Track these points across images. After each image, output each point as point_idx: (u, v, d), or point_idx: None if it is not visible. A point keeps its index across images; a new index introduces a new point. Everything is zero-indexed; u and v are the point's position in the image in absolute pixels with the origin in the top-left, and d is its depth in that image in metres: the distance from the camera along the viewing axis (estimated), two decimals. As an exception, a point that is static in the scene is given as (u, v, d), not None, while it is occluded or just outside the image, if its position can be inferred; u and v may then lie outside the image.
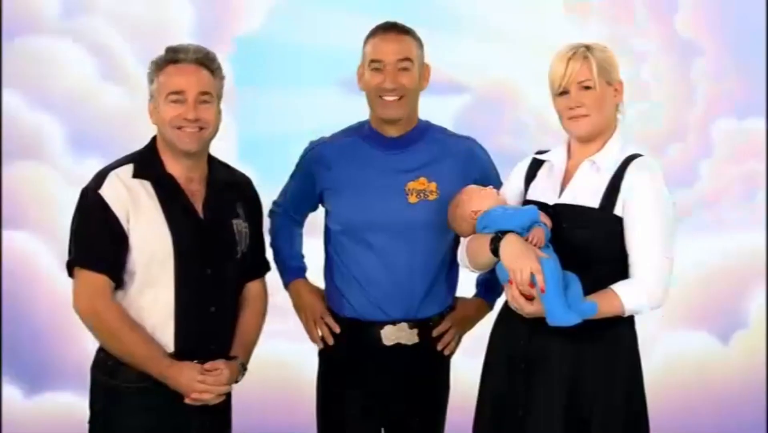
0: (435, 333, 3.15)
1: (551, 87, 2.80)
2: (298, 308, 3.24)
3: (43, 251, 4.70)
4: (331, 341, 3.17)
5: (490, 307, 3.25)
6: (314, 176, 3.16)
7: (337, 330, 3.15)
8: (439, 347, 3.16)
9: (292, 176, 3.26)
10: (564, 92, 2.78)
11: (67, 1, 4.76)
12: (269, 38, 4.79)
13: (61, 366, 4.75)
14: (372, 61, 3.07)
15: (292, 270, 3.27)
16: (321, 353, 3.23)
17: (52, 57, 4.76)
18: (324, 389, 3.21)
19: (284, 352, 4.48)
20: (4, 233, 4.73)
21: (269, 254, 3.16)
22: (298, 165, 3.23)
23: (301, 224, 3.31)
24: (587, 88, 2.76)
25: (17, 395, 4.77)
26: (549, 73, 2.80)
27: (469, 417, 2.93)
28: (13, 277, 4.72)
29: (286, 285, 3.26)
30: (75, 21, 4.76)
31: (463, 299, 3.26)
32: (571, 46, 2.79)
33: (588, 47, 2.78)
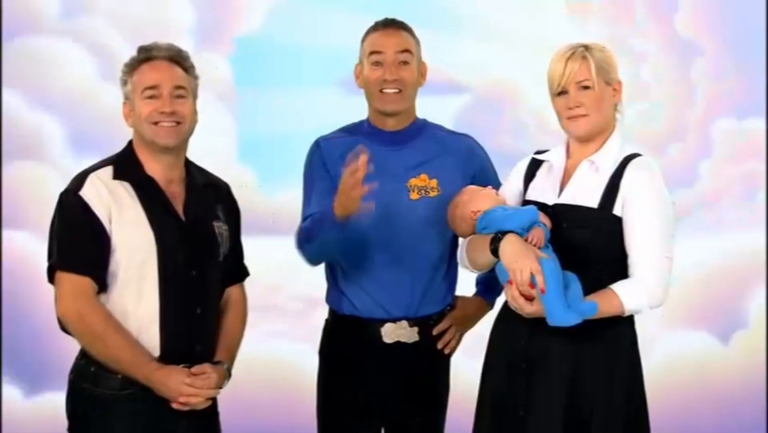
0: (435, 331, 3.15)
1: (550, 87, 2.80)
2: (343, 193, 2.85)
3: (43, 251, 4.64)
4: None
5: (491, 306, 3.25)
6: (328, 169, 3.11)
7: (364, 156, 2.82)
8: (439, 346, 3.16)
9: (309, 181, 3.17)
10: (563, 92, 2.78)
11: (67, 1, 4.76)
12: (269, 38, 4.79)
13: (61, 366, 4.70)
14: (372, 53, 3.08)
15: (326, 210, 2.96)
16: (321, 352, 3.23)
17: (52, 57, 4.76)
18: (324, 388, 3.20)
19: (284, 352, 4.48)
20: (4, 233, 4.73)
21: (300, 266, 3.07)
22: (309, 165, 3.17)
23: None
24: (586, 88, 2.76)
25: (17, 395, 4.76)
26: (548, 73, 2.80)
27: (469, 417, 2.93)
28: (13, 277, 4.72)
29: (335, 215, 2.88)
30: (75, 21, 4.76)
31: (463, 298, 3.26)
32: (570, 46, 2.80)
33: (587, 47, 2.78)
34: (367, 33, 3.13)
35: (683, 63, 4.87)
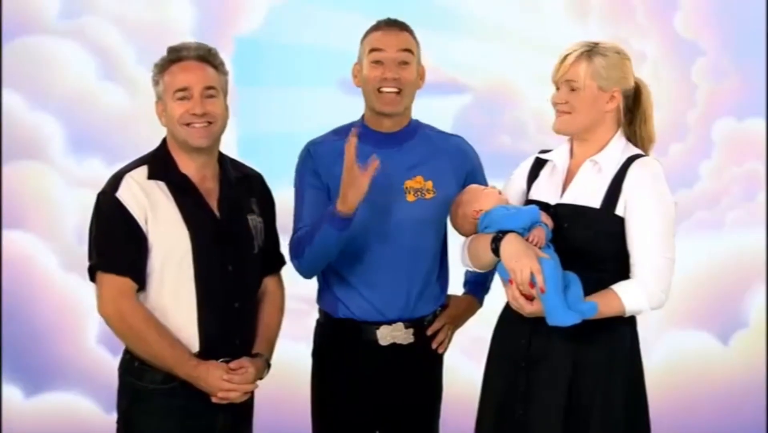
0: (429, 332, 3.15)
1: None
2: (347, 188, 2.87)
3: (43, 250, 4.70)
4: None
5: (480, 303, 3.27)
6: (320, 174, 3.10)
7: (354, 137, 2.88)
8: (434, 346, 3.16)
9: (301, 187, 3.14)
10: (558, 87, 2.79)
11: (67, 1, 4.76)
12: (269, 38, 4.79)
13: (61, 366, 4.75)
14: (372, 50, 3.05)
15: (327, 211, 2.96)
16: (314, 355, 3.22)
17: (52, 57, 4.76)
18: (319, 390, 3.20)
19: (284, 352, 4.48)
20: (4, 233, 4.73)
21: (294, 275, 3.10)
22: (300, 173, 3.15)
23: None
24: (574, 89, 2.76)
25: (17, 395, 4.77)
26: None
27: (469, 417, 2.93)
28: (13, 277, 4.72)
29: (335, 213, 2.87)
30: (75, 21, 4.76)
31: (455, 297, 3.26)
32: (578, 43, 2.79)
33: (592, 48, 2.77)
34: (368, 32, 3.11)
35: (683, 63, 4.87)
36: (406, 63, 3.06)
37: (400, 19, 3.13)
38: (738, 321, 4.89)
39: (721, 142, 4.88)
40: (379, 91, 3.05)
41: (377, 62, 3.05)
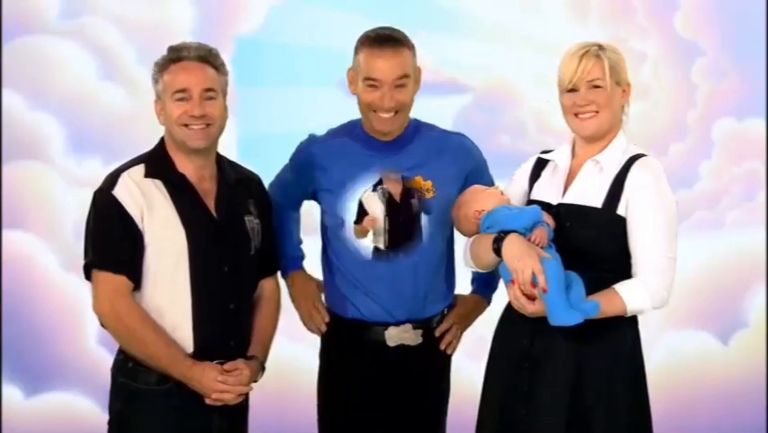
0: (437, 333, 3.15)
1: (560, 83, 2.79)
2: (295, 298, 3.21)
3: (43, 250, 4.70)
4: (324, 329, 3.16)
5: (488, 302, 3.27)
6: (308, 176, 3.12)
7: (327, 319, 3.15)
8: (442, 347, 3.16)
9: (286, 169, 3.22)
10: (573, 90, 2.77)
11: (67, 1, 4.76)
12: (269, 38, 4.79)
13: (61, 366, 4.75)
14: (367, 78, 2.99)
15: (292, 260, 3.22)
16: (322, 354, 3.23)
17: (52, 57, 4.76)
18: (325, 390, 3.20)
19: (284, 351, 4.48)
20: (4, 233, 4.73)
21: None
22: (293, 159, 3.19)
23: (295, 209, 3.26)
24: (597, 87, 2.76)
25: (17, 395, 4.77)
26: (559, 68, 2.79)
27: (470, 417, 2.93)
28: (13, 277, 4.72)
29: (285, 275, 3.20)
30: (75, 21, 4.76)
31: (462, 296, 3.26)
32: (584, 44, 2.79)
33: (601, 46, 2.78)
34: (362, 46, 3.01)
35: (683, 63, 4.87)
36: (402, 86, 3.01)
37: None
38: (738, 321, 4.89)
39: (721, 142, 4.87)
40: (375, 112, 3.02)
41: (373, 87, 2.99)
